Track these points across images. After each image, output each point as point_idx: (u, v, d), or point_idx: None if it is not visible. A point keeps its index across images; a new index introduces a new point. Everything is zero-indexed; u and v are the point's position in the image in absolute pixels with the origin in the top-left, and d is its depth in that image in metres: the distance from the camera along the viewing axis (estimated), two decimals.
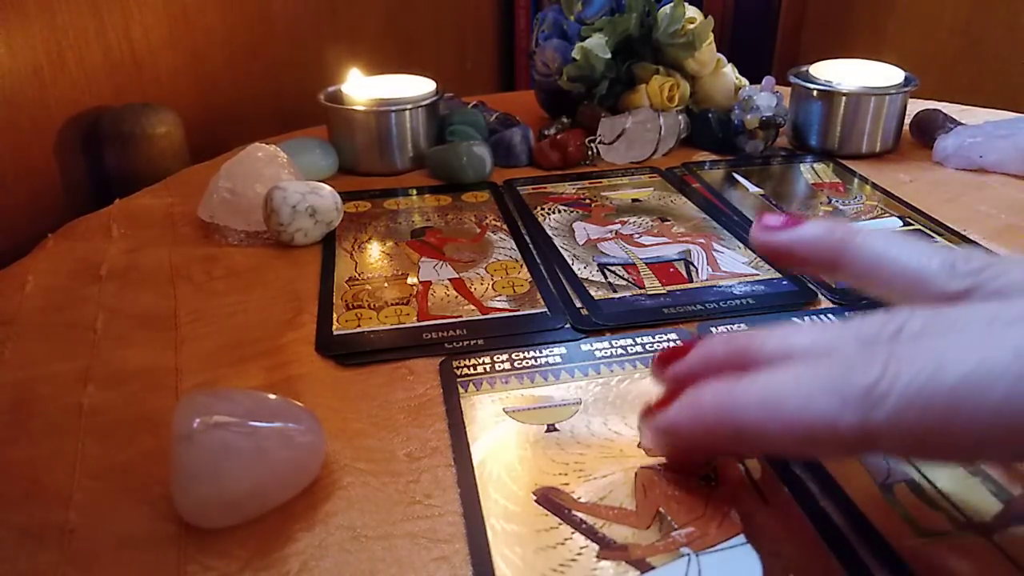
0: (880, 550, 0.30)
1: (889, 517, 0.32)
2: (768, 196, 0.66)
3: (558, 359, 0.43)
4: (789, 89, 0.77)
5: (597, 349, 0.44)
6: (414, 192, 0.67)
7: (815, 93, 0.73)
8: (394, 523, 0.32)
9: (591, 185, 0.68)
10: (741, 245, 0.56)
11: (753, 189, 0.67)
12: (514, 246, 0.57)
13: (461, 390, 0.40)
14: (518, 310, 0.48)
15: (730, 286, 0.51)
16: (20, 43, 0.62)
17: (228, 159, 0.60)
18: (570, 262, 0.54)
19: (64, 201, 0.68)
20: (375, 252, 0.56)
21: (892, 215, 0.61)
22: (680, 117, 0.75)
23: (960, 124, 0.75)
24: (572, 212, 0.62)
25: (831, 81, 0.73)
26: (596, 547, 0.31)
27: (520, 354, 0.43)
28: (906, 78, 0.73)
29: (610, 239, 0.58)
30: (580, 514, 0.32)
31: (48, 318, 0.48)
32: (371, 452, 0.36)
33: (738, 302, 0.49)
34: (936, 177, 0.70)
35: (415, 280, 0.52)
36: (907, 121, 0.77)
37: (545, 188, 0.67)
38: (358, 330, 0.46)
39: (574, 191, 0.67)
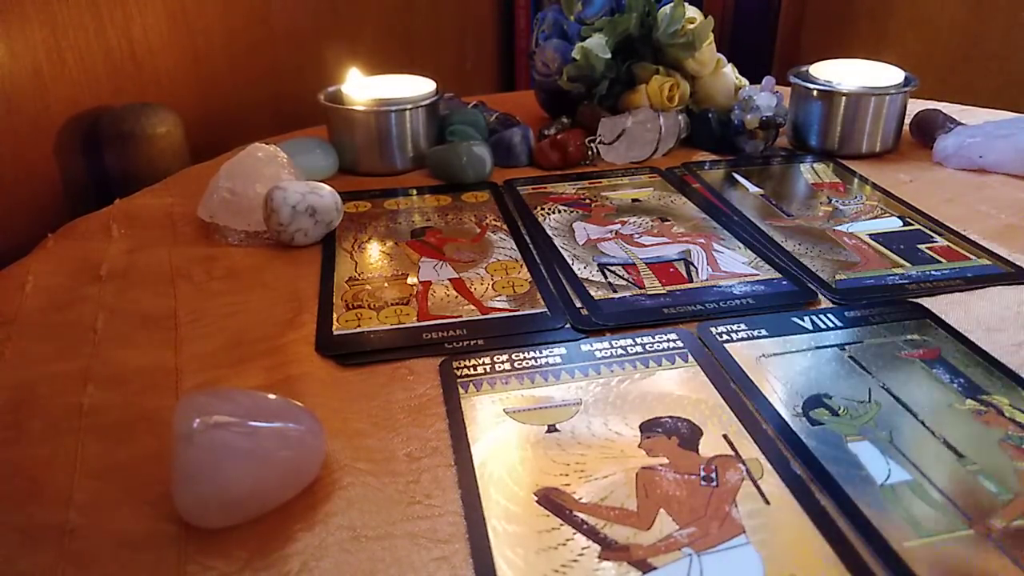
0: (881, 550, 0.30)
1: (890, 517, 0.32)
2: (768, 196, 0.66)
3: (558, 359, 0.43)
4: (789, 89, 0.77)
5: (597, 349, 0.44)
6: (414, 192, 0.67)
7: (815, 93, 0.73)
8: (394, 523, 0.32)
9: (591, 185, 0.68)
10: (741, 245, 0.56)
11: (753, 189, 0.67)
12: (514, 246, 0.57)
13: (461, 390, 0.40)
14: (518, 310, 0.48)
15: (730, 286, 0.51)
16: (20, 43, 0.62)
17: (228, 159, 0.60)
18: (570, 262, 0.54)
19: (64, 201, 0.68)
20: (375, 252, 0.56)
21: (892, 215, 0.61)
22: (680, 117, 0.75)
23: (960, 124, 0.75)
24: (572, 212, 0.62)
25: (831, 81, 0.73)
26: (598, 548, 0.31)
27: (520, 354, 0.43)
28: (906, 78, 0.73)
29: (610, 239, 0.58)
30: (581, 515, 0.32)
31: (48, 318, 0.48)
32: (371, 452, 0.36)
33: (738, 302, 0.49)
34: (936, 177, 0.70)
35: (415, 280, 0.52)
36: (907, 121, 0.77)
37: (545, 188, 0.67)
38: (358, 330, 0.46)
39: (574, 191, 0.67)
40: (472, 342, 0.45)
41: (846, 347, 0.44)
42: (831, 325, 0.46)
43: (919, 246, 0.56)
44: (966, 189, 0.67)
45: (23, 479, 0.35)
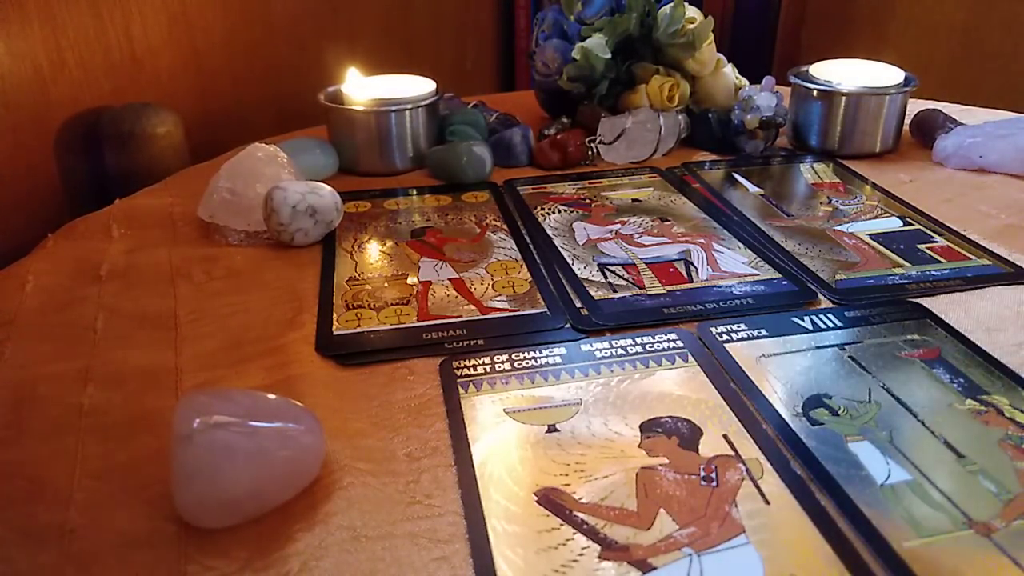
0: (881, 550, 0.30)
1: (890, 517, 0.32)
2: (768, 196, 0.66)
3: (558, 359, 0.43)
4: (789, 89, 0.77)
5: (597, 349, 0.44)
6: (414, 192, 0.67)
7: (815, 93, 0.73)
8: (394, 523, 0.32)
9: (591, 185, 0.68)
10: (741, 245, 0.56)
11: (753, 189, 0.67)
12: (514, 246, 0.57)
13: (461, 390, 0.40)
14: (518, 310, 0.48)
15: (730, 286, 0.51)
16: (20, 43, 0.62)
17: (228, 159, 0.60)
18: (570, 262, 0.54)
19: (64, 201, 0.68)
20: (375, 252, 0.56)
21: (892, 215, 0.61)
22: (680, 117, 0.75)
23: (960, 124, 0.75)
24: (572, 212, 0.62)
25: (831, 81, 0.73)
26: (598, 548, 0.31)
27: (520, 354, 0.43)
28: (906, 78, 0.73)
29: (610, 239, 0.58)
30: (581, 515, 0.32)
31: (48, 318, 0.48)
32: (371, 452, 0.36)
33: (738, 302, 0.49)
34: (936, 177, 0.70)
35: (415, 280, 0.52)
36: (907, 121, 0.77)
37: (545, 188, 0.67)
38: (358, 330, 0.46)
39: (574, 191, 0.67)
40: (472, 342, 0.45)
41: (846, 347, 0.44)
42: (831, 325, 0.46)
43: (919, 246, 0.56)
44: (966, 189, 0.67)
45: (23, 479, 0.35)
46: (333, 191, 0.57)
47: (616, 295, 0.50)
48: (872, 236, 0.58)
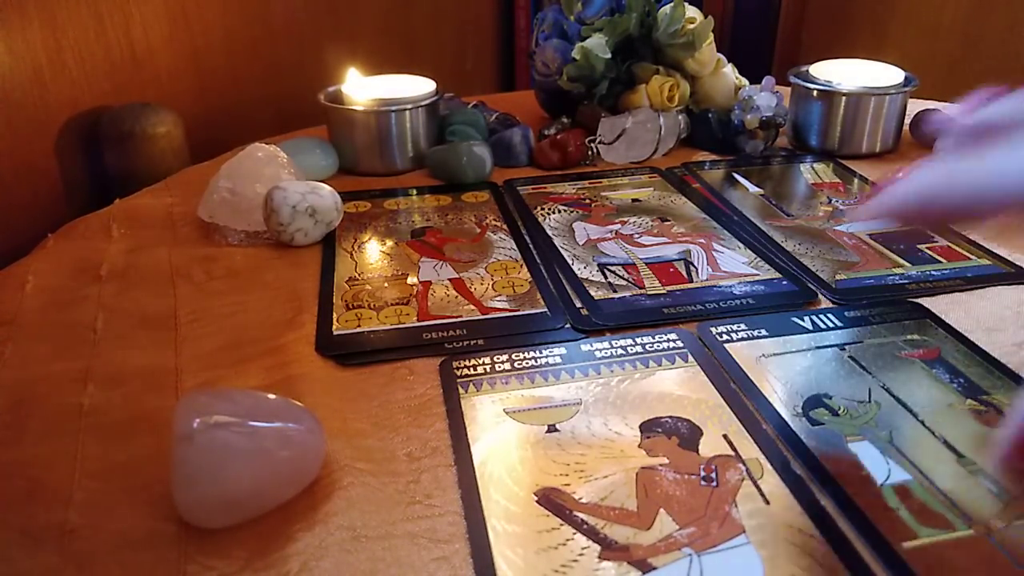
0: (881, 550, 0.30)
1: (890, 517, 0.32)
2: (768, 196, 0.66)
3: (558, 359, 0.43)
4: (789, 89, 0.77)
5: (597, 349, 0.44)
6: (414, 192, 0.67)
7: (815, 93, 0.73)
8: (394, 523, 0.32)
9: (591, 185, 0.68)
10: (741, 245, 0.56)
11: (753, 189, 0.67)
12: (514, 246, 0.57)
13: (461, 390, 0.40)
14: (518, 310, 0.48)
15: (730, 286, 0.51)
16: (20, 43, 0.62)
17: (228, 159, 0.60)
18: (570, 262, 0.54)
19: (64, 201, 0.68)
20: (375, 252, 0.56)
21: None
22: (680, 117, 0.75)
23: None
24: (572, 212, 0.62)
25: (831, 81, 0.73)
26: (598, 548, 0.31)
27: (520, 354, 0.43)
28: (906, 78, 0.73)
29: (610, 239, 0.58)
30: (581, 515, 0.32)
31: (48, 318, 0.48)
32: (371, 452, 0.36)
33: (738, 302, 0.49)
34: None
35: (415, 280, 0.52)
36: (907, 121, 0.77)
37: (545, 188, 0.67)
38: (358, 330, 0.46)
39: (574, 191, 0.67)
40: (472, 342, 0.45)
41: (846, 347, 0.44)
42: (831, 325, 0.46)
43: (919, 246, 0.56)
44: None
45: (23, 479, 0.35)
46: (333, 191, 0.57)
47: (616, 295, 0.50)
48: (872, 236, 0.58)
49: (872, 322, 0.46)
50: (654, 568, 0.30)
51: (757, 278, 0.52)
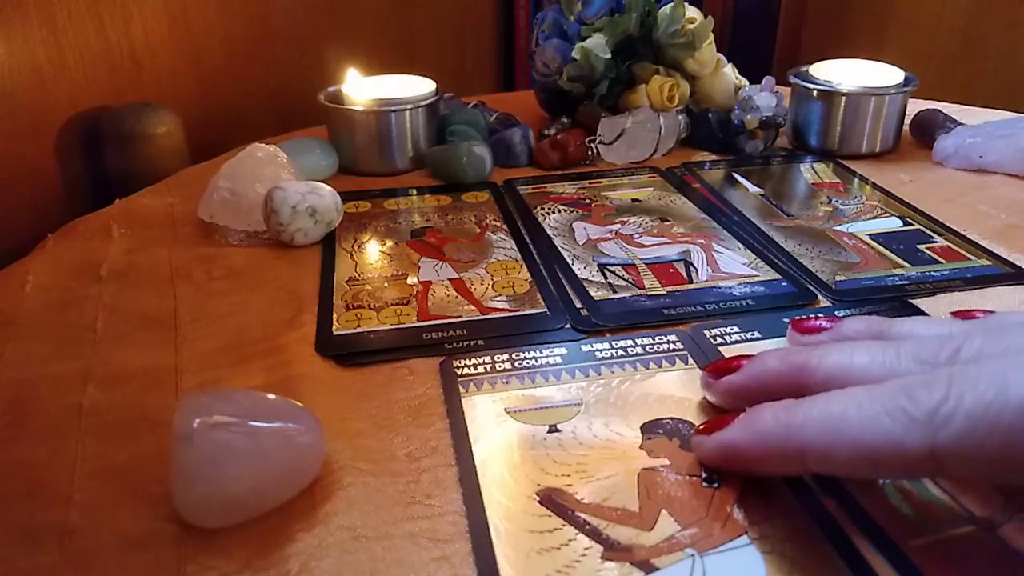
0: (885, 548, 0.30)
1: (893, 515, 0.32)
2: (768, 196, 0.66)
3: (558, 360, 0.43)
4: (789, 89, 0.77)
5: (597, 350, 0.44)
6: (414, 192, 0.67)
7: (815, 93, 0.73)
8: (394, 523, 0.32)
9: (591, 185, 0.68)
10: (741, 246, 0.56)
11: (753, 189, 0.67)
12: (514, 246, 0.57)
13: (461, 390, 0.40)
14: (518, 310, 0.48)
15: (730, 287, 0.51)
16: (20, 43, 0.62)
17: (228, 159, 0.60)
18: (570, 262, 0.54)
19: (64, 201, 0.67)
20: (375, 252, 0.56)
21: (892, 215, 0.61)
22: (680, 117, 0.75)
23: (960, 124, 0.75)
24: (572, 212, 0.62)
25: (831, 81, 0.73)
26: (600, 548, 0.31)
27: (520, 354, 0.43)
28: (906, 78, 0.73)
29: (610, 239, 0.58)
30: (583, 515, 0.32)
31: (48, 318, 0.48)
32: (371, 452, 0.36)
33: (738, 303, 0.49)
34: (936, 177, 0.70)
35: (415, 280, 0.52)
36: (907, 121, 0.77)
37: (545, 188, 0.67)
38: (358, 330, 0.46)
39: (574, 191, 0.67)
40: (472, 342, 0.45)
41: None
42: None
43: (919, 246, 0.56)
44: (966, 189, 0.67)
45: (23, 479, 0.35)
46: (333, 191, 0.57)
47: (616, 295, 0.50)
48: (872, 236, 0.58)
49: None
50: (656, 569, 0.30)
51: (757, 279, 0.52)
